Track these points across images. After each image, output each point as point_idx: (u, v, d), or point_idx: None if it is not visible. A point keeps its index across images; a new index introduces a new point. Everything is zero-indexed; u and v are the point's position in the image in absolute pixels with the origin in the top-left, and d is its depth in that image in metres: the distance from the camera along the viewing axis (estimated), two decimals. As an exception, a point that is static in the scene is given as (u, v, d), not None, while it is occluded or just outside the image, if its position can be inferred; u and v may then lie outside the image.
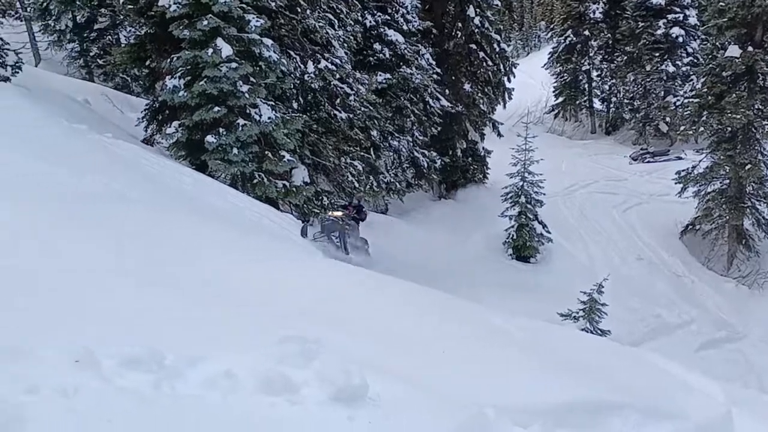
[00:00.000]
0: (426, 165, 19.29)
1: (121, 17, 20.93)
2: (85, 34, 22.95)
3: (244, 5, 12.27)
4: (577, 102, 36.17)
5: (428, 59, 19.43)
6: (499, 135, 23.38)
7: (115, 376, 2.42)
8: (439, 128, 19.93)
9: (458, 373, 4.26)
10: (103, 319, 3.04)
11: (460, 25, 21.35)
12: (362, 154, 15.81)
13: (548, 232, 18.19)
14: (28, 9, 23.21)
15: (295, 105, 14.38)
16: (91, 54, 23.21)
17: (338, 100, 15.01)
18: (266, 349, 3.10)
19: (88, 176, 6.94)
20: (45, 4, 22.25)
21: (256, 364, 2.86)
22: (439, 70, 19.86)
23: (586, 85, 35.80)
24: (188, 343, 3.02)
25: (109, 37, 23.16)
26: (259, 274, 5.28)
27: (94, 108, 15.76)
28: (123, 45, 19.47)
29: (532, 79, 39.03)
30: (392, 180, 17.84)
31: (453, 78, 21.44)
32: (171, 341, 2.94)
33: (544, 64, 37.39)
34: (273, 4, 13.14)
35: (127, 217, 5.92)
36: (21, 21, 23.65)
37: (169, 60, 12.57)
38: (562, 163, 26.43)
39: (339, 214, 11.98)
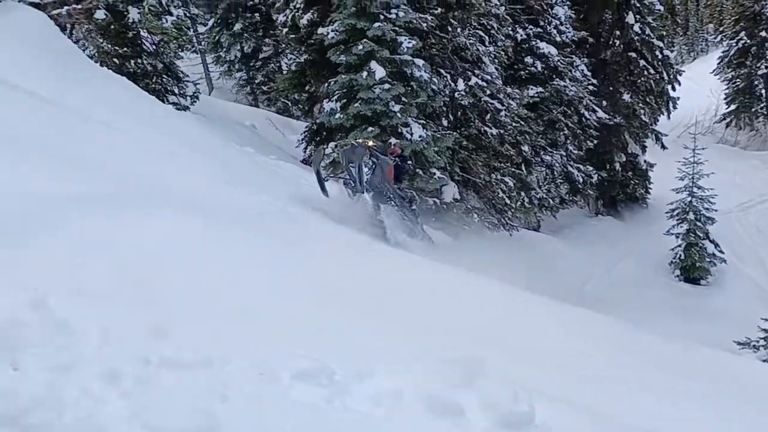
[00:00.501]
0: (581, 180, 18.53)
1: (283, 46, 22.45)
2: (251, 63, 24.90)
3: (396, 28, 12.62)
4: (753, 109, 32.95)
5: (583, 70, 18.75)
6: (663, 147, 21.91)
7: (291, 389, 2.54)
8: (595, 141, 19.08)
9: (628, 401, 4.02)
10: (278, 330, 3.20)
11: (617, 33, 20.40)
12: (513, 169, 15.54)
13: (721, 251, 16.70)
14: (203, 43, 25.66)
15: (445, 122, 14.48)
16: (257, 81, 25.11)
17: (488, 116, 14.90)
18: (429, 367, 3.09)
19: (258, 195, 7.45)
20: (217, 37, 24.51)
21: (420, 382, 2.85)
22: (595, 81, 19.08)
23: (764, 91, 32.56)
24: (354, 357, 3.09)
25: (272, 65, 24.95)
26: (415, 287, 5.34)
27: (259, 132, 17.00)
28: (285, 72, 20.83)
29: (699, 86, 36.29)
30: (545, 196, 17.32)
31: (611, 88, 20.49)
32: (339, 355, 3.03)
33: (713, 70, 34.64)
34: (424, 25, 13.38)
35: (291, 231, 6.27)
36: (197, 54, 26.19)
37: (326, 84, 13.24)
38: (735, 176, 24.17)
39: (371, 143, 9.57)
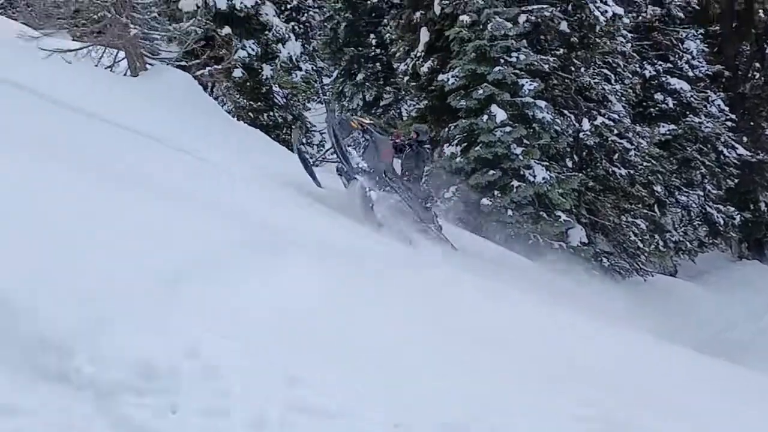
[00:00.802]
0: (722, 221, 17.25)
1: (404, 93, 23.02)
2: (373, 111, 25.69)
3: (517, 71, 12.59)
4: None
5: (719, 105, 17.68)
6: (815, 184, 20.02)
7: (428, 444, 2.53)
8: (736, 180, 17.79)
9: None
10: (409, 380, 3.20)
11: (757, 65, 19.15)
12: (645, 211, 14.80)
13: None
14: (328, 93, 26.95)
15: (569, 164, 14.13)
16: (378, 128, 25.91)
17: (616, 156, 14.38)
18: (567, 424, 2.96)
19: (381, 241, 7.61)
20: (341, 87, 25.63)
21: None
22: (733, 116, 17.92)
23: None
24: (490, 410, 3.03)
25: (393, 111, 25.62)
26: (537, 334, 5.16)
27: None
28: (405, 118, 21.28)
29: None
30: (681, 239, 16.28)
31: (752, 123, 19.15)
32: (472, 408, 2.99)
33: None
34: (546, 66, 13.25)
35: (414, 276, 6.27)
36: (322, 104, 27.50)
37: (447, 129, 13.39)
38: None
39: (367, 121, 8.40)
